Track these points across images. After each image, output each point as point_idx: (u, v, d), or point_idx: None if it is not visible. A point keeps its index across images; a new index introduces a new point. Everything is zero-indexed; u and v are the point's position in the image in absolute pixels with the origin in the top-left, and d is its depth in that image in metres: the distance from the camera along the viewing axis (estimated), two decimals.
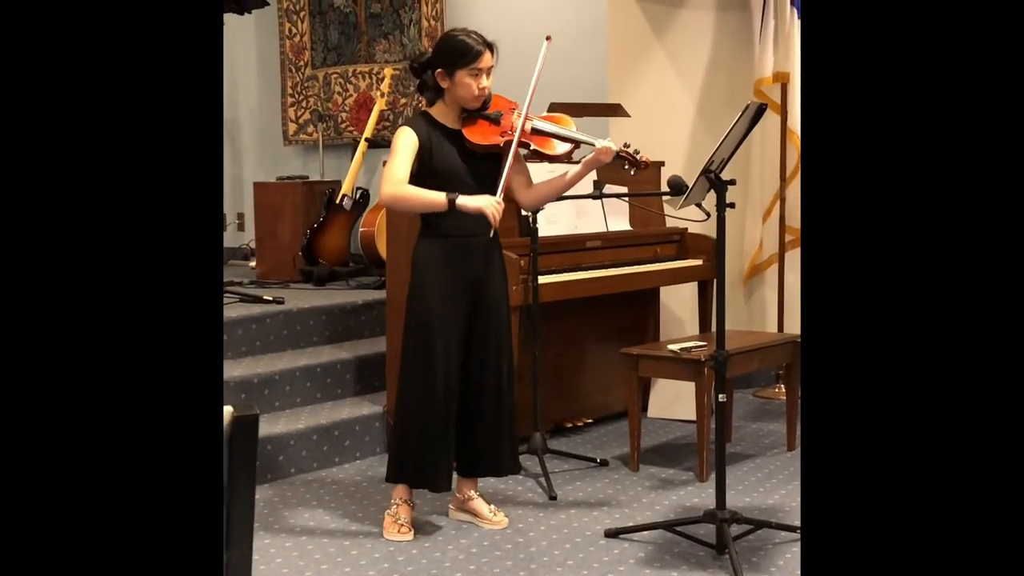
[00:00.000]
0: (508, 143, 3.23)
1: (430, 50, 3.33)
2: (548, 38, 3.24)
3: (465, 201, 3.11)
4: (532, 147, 3.28)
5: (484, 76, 3.20)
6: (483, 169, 3.26)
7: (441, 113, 3.28)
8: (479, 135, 3.24)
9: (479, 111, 3.26)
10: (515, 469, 3.48)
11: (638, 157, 3.30)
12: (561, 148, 3.29)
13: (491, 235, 3.17)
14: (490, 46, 3.22)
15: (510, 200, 3.44)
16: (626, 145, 3.31)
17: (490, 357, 3.32)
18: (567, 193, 4.19)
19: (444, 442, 3.28)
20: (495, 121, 3.26)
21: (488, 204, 3.11)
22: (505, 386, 3.35)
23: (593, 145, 3.25)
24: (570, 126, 3.33)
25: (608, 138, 3.29)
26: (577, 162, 3.35)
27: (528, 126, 3.26)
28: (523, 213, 4.12)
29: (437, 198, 3.13)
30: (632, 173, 3.38)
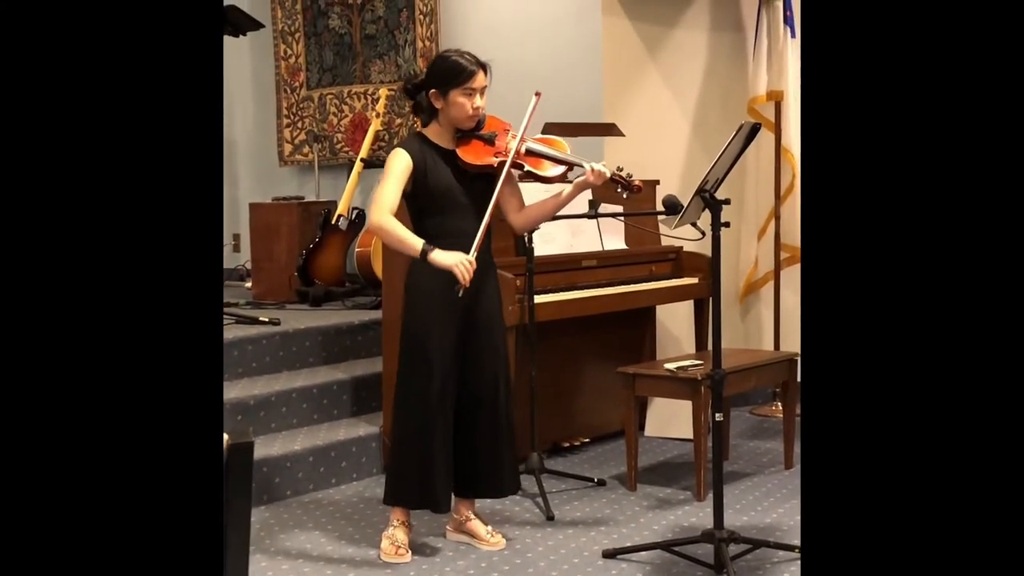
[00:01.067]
0: (502, 164, 3.24)
1: (424, 71, 3.35)
2: (537, 94, 3.27)
3: (438, 257, 3.10)
4: (526, 168, 3.29)
5: (478, 96, 3.22)
6: (477, 189, 3.27)
7: (436, 134, 3.29)
8: (473, 155, 3.25)
9: (473, 131, 3.28)
10: (515, 488, 3.48)
11: (631, 181, 3.31)
12: (555, 170, 3.30)
13: (458, 294, 3.09)
14: (484, 66, 3.24)
15: (501, 220, 3.44)
16: (619, 168, 3.32)
17: (486, 377, 3.32)
18: (563, 212, 4.22)
19: (443, 463, 3.27)
20: (489, 141, 3.27)
21: (458, 262, 3.08)
22: (503, 405, 3.34)
23: (586, 168, 3.25)
24: (564, 149, 3.34)
25: (602, 161, 3.30)
26: (571, 181, 3.36)
27: (523, 148, 3.27)
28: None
29: (414, 244, 3.13)
30: (625, 197, 3.39)
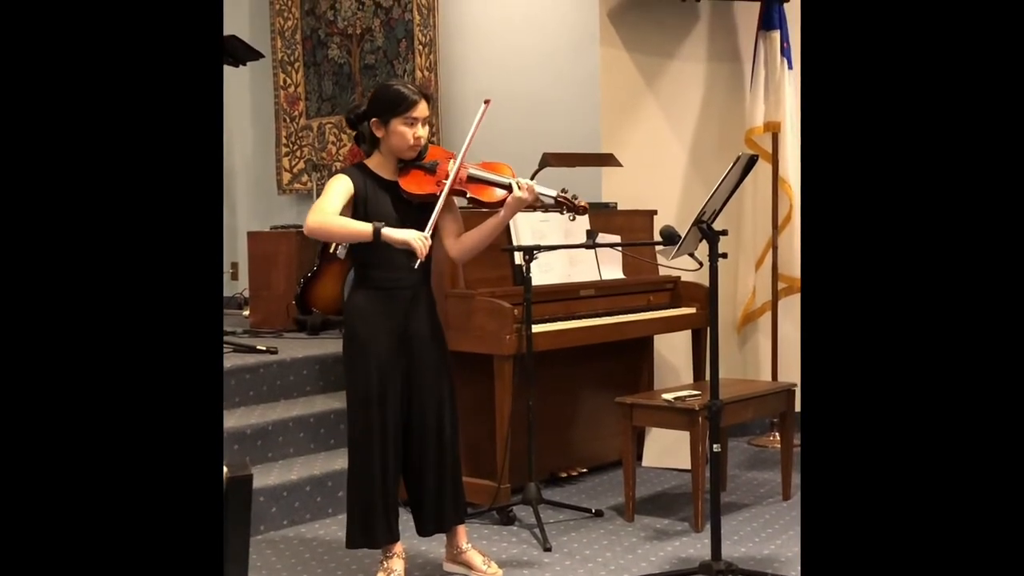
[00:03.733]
0: (443, 191, 3.22)
1: (366, 102, 3.33)
2: (487, 101, 3.27)
3: (391, 232, 3.07)
4: (469, 195, 3.26)
5: (419, 125, 3.19)
6: (418, 220, 3.22)
7: (378, 164, 3.26)
8: (415, 185, 3.22)
9: (415, 161, 3.26)
10: (458, 520, 3.42)
11: (576, 202, 3.34)
12: (499, 194, 3.27)
13: (415, 266, 3.09)
14: (426, 96, 3.23)
15: (492, 249, 3.43)
16: (563, 191, 3.35)
17: (430, 410, 3.28)
18: (561, 242, 4.23)
19: (383, 496, 3.24)
20: (431, 171, 3.24)
21: (415, 237, 3.07)
22: (447, 438, 3.31)
23: (514, 186, 3.25)
24: (508, 174, 3.32)
25: (532, 180, 3.30)
26: (560, 207, 3.38)
27: (464, 173, 3.25)
28: (516, 262, 4.14)
29: (362, 228, 3.10)
30: (572, 219, 3.42)
